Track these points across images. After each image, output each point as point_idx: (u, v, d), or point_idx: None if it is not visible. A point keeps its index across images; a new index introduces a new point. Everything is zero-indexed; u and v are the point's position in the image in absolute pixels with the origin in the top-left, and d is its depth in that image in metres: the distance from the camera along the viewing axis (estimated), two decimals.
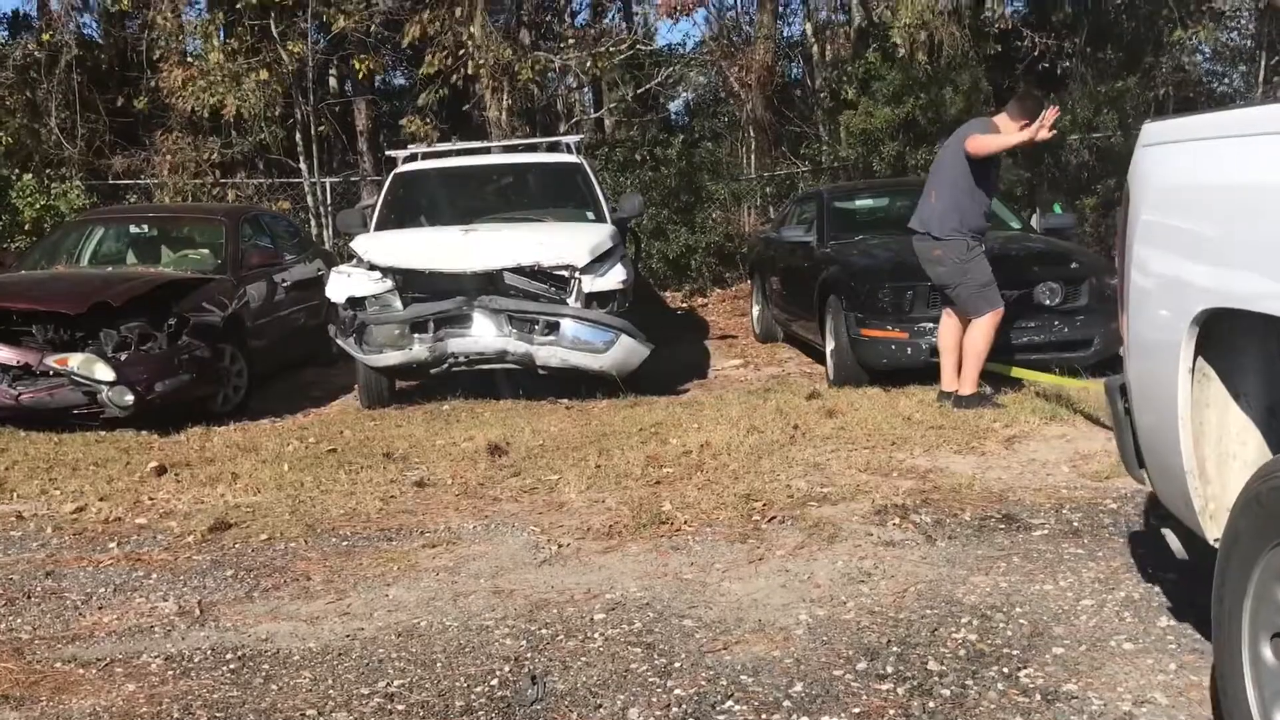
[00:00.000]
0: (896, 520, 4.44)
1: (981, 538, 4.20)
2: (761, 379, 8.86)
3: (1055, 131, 6.45)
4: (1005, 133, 6.35)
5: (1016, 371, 7.01)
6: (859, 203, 10.10)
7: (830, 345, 7.91)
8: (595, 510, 4.79)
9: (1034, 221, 8.89)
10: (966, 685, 2.97)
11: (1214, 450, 2.53)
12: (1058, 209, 10.87)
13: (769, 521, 4.50)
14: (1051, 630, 3.30)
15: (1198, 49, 15.74)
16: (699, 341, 11.14)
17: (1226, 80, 17.61)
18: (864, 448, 5.65)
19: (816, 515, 4.54)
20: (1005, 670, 3.05)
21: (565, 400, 7.53)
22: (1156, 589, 3.57)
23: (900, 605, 3.55)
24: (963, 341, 6.47)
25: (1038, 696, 2.89)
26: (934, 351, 6.87)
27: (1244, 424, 2.52)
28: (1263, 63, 15.18)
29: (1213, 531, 2.52)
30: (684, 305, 13.69)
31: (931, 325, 7.00)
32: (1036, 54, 14.51)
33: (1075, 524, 4.31)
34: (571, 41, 15.26)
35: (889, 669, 3.10)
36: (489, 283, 7.53)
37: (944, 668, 3.08)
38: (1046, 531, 4.24)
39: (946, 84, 13.32)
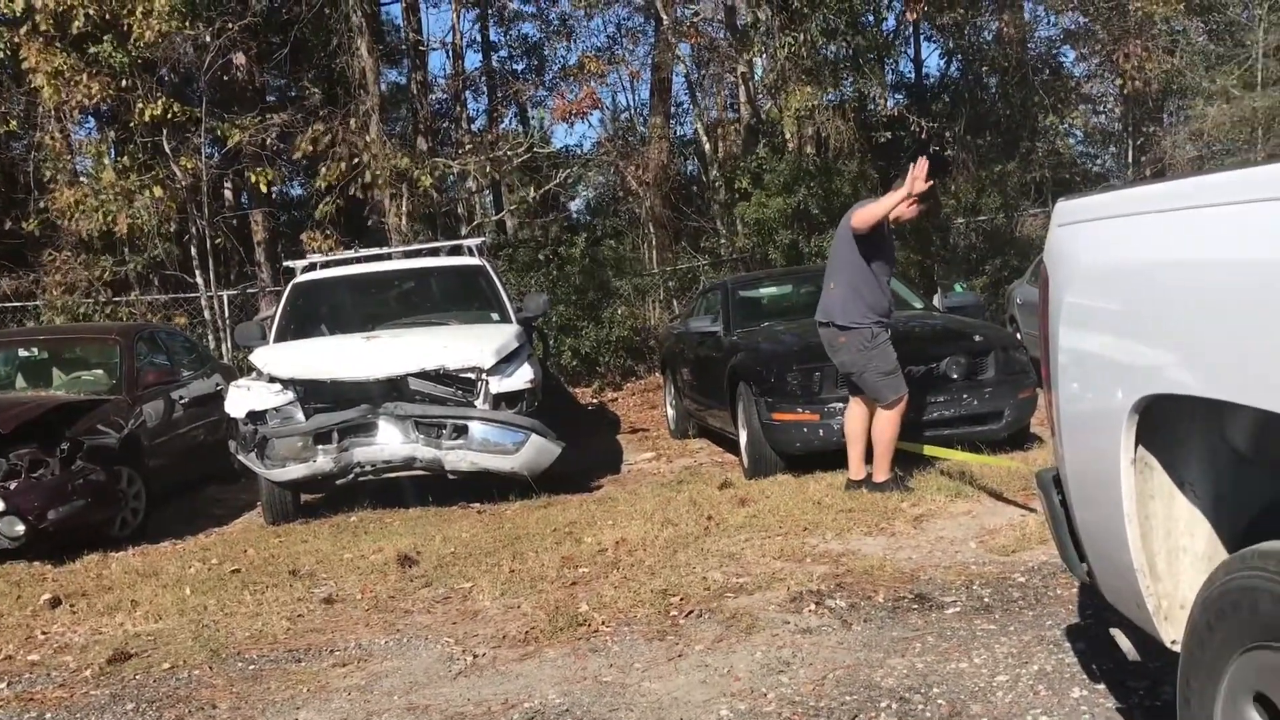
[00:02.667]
0: (812, 606, 4.45)
1: (896, 619, 4.23)
2: (674, 471, 8.87)
3: (931, 183, 6.18)
4: (889, 200, 6.20)
5: (930, 450, 6.95)
6: (763, 291, 10.20)
7: (743, 435, 7.84)
8: (510, 616, 4.71)
9: (936, 301, 9.05)
10: None
11: (1163, 545, 2.35)
12: (959, 288, 11.18)
13: (687, 616, 4.47)
14: (969, 709, 3.32)
15: (1069, 133, 16.53)
16: (611, 436, 11.13)
17: (1099, 161, 18.50)
18: (777, 535, 5.67)
19: (734, 606, 4.52)
20: None
21: (477, 504, 7.44)
22: (1068, 659, 3.62)
23: (820, 694, 3.54)
24: (871, 429, 6.41)
25: None
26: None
27: (1192, 515, 2.35)
28: (1130, 144, 16.01)
29: (1169, 633, 2.35)
30: (595, 400, 13.71)
31: (842, 405, 6.93)
32: (923, 137, 15.10)
33: (986, 599, 4.36)
34: (469, 147, 15.43)
35: None
36: (394, 389, 7.46)
37: None
38: (959, 609, 4.28)
39: (835, 174, 13.76)
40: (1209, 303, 1.97)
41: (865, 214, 6.20)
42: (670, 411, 10.84)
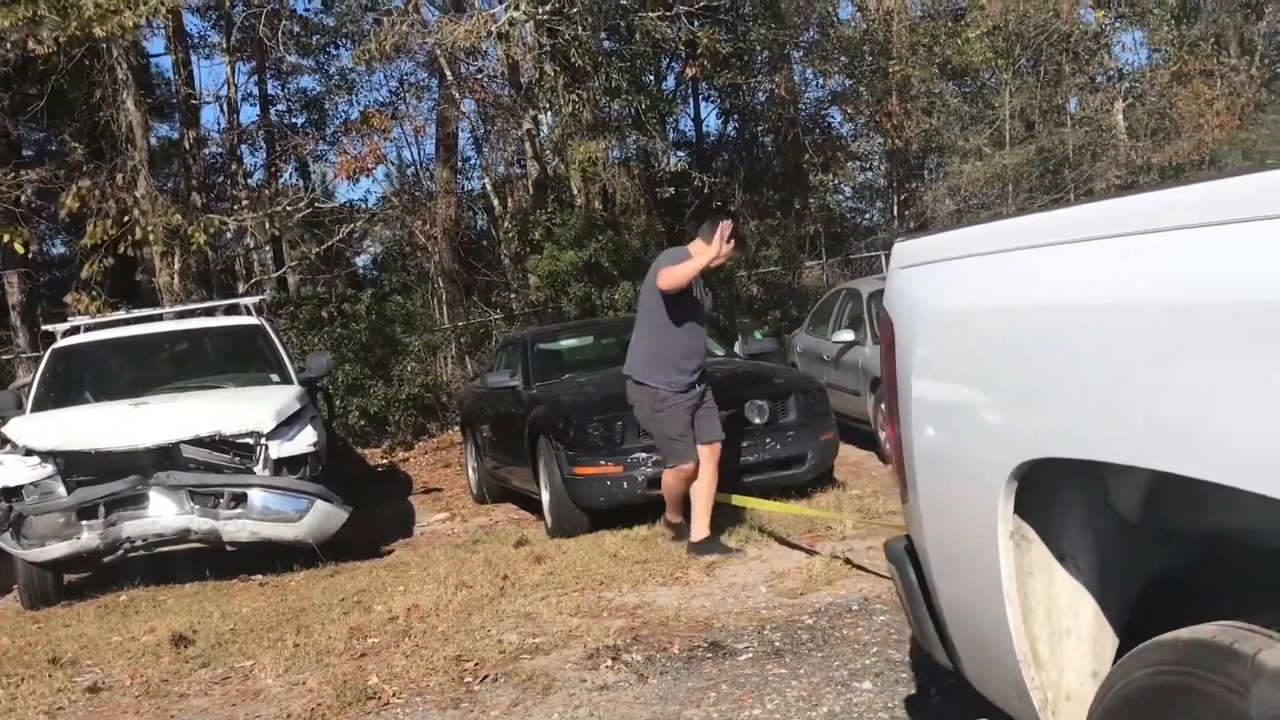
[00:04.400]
0: (609, 662, 4.42)
1: (691, 669, 4.25)
2: (469, 531, 8.71)
3: (733, 241, 5.97)
4: (694, 252, 5.99)
5: (739, 500, 6.67)
6: (563, 343, 9.87)
7: (545, 494, 7.56)
8: (295, 694, 4.48)
9: (737, 348, 9.22)
10: None
11: (1045, 628, 2.05)
12: (759, 335, 11.49)
13: (481, 681, 4.36)
14: None
15: (838, 189, 17.43)
16: (403, 498, 10.86)
17: (867, 215, 19.57)
18: (573, 591, 5.63)
19: (530, 668, 4.45)
20: None
21: (259, 576, 7.08)
22: (855, 699, 3.72)
23: None
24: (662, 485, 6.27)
25: None
26: (650, 484, 6.73)
27: (1075, 591, 2.05)
28: (895, 199, 17.02)
29: None
30: (385, 461, 13.36)
31: (645, 455, 6.86)
32: (705, 193, 15.58)
33: (777, 644, 4.45)
34: (246, 202, 14.90)
35: None
36: (165, 458, 7.06)
37: None
38: (751, 655, 4.35)
39: (623, 227, 14.01)
40: (1087, 352, 1.73)
41: (673, 277, 5.88)
42: (472, 475, 10.24)
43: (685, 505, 6.27)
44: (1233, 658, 1.48)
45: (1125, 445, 1.65)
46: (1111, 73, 18.22)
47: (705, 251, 5.90)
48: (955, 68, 16.57)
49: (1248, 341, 1.39)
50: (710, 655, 4.40)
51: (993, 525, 1.98)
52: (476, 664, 4.55)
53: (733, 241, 5.93)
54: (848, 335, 10.40)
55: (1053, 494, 2.01)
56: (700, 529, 6.13)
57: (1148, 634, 1.74)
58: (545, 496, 7.59)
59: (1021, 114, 15.94)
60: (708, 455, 6.13)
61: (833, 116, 19.17)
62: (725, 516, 6.75)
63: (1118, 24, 17.71)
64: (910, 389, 2.29)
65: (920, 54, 15.85)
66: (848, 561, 5.55)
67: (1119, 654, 1.99)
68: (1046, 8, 14.99)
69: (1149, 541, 2.02)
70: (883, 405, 9.52)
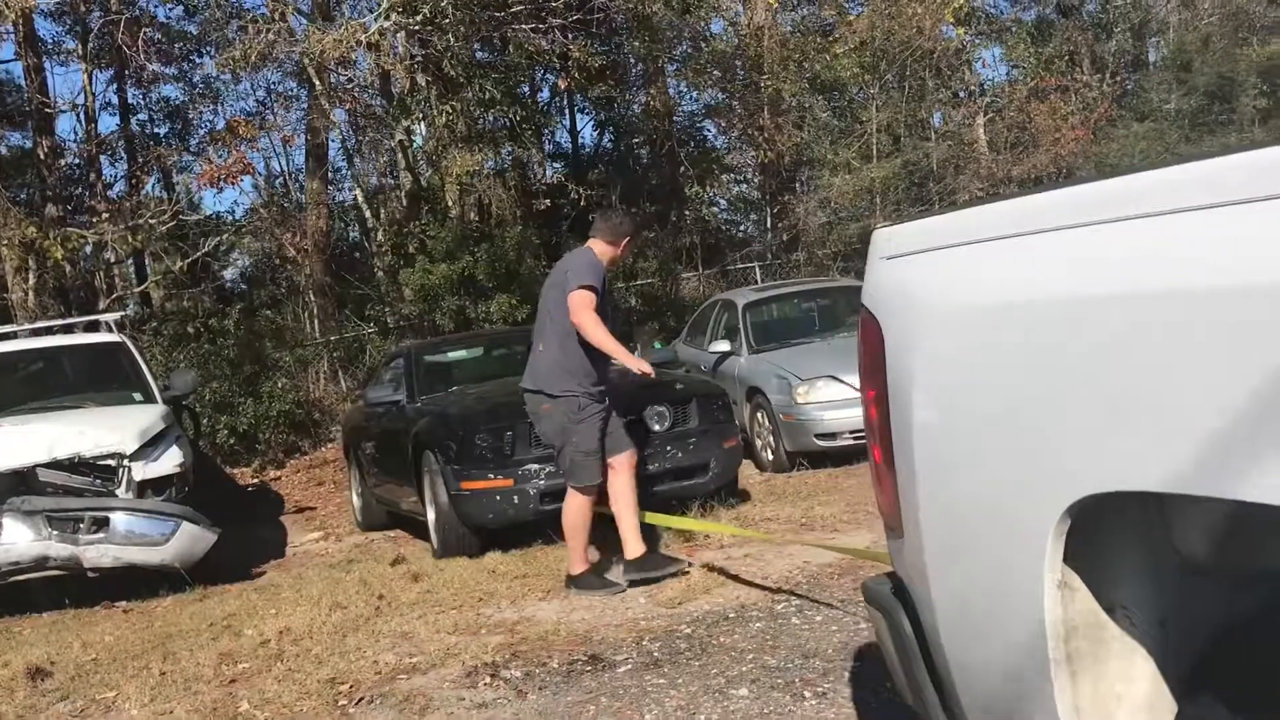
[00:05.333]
0: (487, 679, 4.39)
1: (570, 683, 4.25)
2: (344, 550, 8.55)
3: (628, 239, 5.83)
4: (602, 256, 5.66)
5: (651, 518, 6.07)
6: (451, 355, 9.48)
7: (431, 513, 7.08)
8: None
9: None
10: None
11: (1090, 695, 1.69)
12: (658, 345, 11.51)
13: (356, 704, 4.28)
14: None
15: (714, 201, 17.68)
16: (274, 518, 10.59)
17: (742, 227, 19.90)
18: (451, 609, 5.58)
19: (407, 688, 4.39)
20: None
21: (123, 602, 6.83)
22: (732, 707, 3.78)
23: None
24: (563, 513, 5.71)
25: None
26: (545, 499, 6.46)
27: (1129, 648, 1.73)
28: (768, 211, 17.36)
29: None
30: (256, 480, 13.00)
31: (537, 468, 6.53)
32: (582, 205, 15.62)
33: (655, 654, 4.48)
34: (106, 215, 14.37)
35: None
36: (20, 482, 6.76)
37: None
38: (630, 666, 4.37)
39: (498, 239, 13.95)
40: (1158, 357, 1.42)
41: (587, 325, 5.45)
42: (356, 501, 9.59)
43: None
44: None
45: (1199, 474, 1.36)
46: (973, 88, 18.95)
47: (624, 355, 5.59)
48: (825, 82, 17.00)
49: None
50: (589, 668, 4.41)
51: (1037, 574, 1.63)
52: (351, 686, 4.47)
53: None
54: (724, 345, 10.57)
55: (1104, 535, 1.70)
56: (635, 546, 5.67)
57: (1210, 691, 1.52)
58: (431, 515, 7.11)
59: (888, 128, 16.43)
60: (625, 466, 5.73)
61: (708, 129, 19.49)
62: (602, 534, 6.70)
63: (978, 41, 18.43)
64: (910, 403, 1.90)
65: (790, 69, 16.20)
66: (723, 572, 5.62)
67: None
68: (910, 25, 15.49)
69: (1218, 587, 1.73)
70: (760, 413, 9.71)
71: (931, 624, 1.94)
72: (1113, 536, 1.69)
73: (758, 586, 5.35)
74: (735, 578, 5.51)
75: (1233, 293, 1.26)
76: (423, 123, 14.12)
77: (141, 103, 19.27)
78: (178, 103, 19.62)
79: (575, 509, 5.63)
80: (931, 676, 1.98)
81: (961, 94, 18.55)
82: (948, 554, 1.89)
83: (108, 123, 18.45)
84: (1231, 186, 1.31)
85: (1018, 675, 1.73)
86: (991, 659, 1.81)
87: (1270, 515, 1.24)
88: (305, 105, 17.63)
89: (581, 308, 5.46)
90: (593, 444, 5.59)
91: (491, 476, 6.64)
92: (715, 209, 18.76)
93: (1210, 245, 1.31)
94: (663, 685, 4.10)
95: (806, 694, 3.78)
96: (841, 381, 8.76)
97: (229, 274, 22.28)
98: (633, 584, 5.60)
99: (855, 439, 8.41)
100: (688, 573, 5.59)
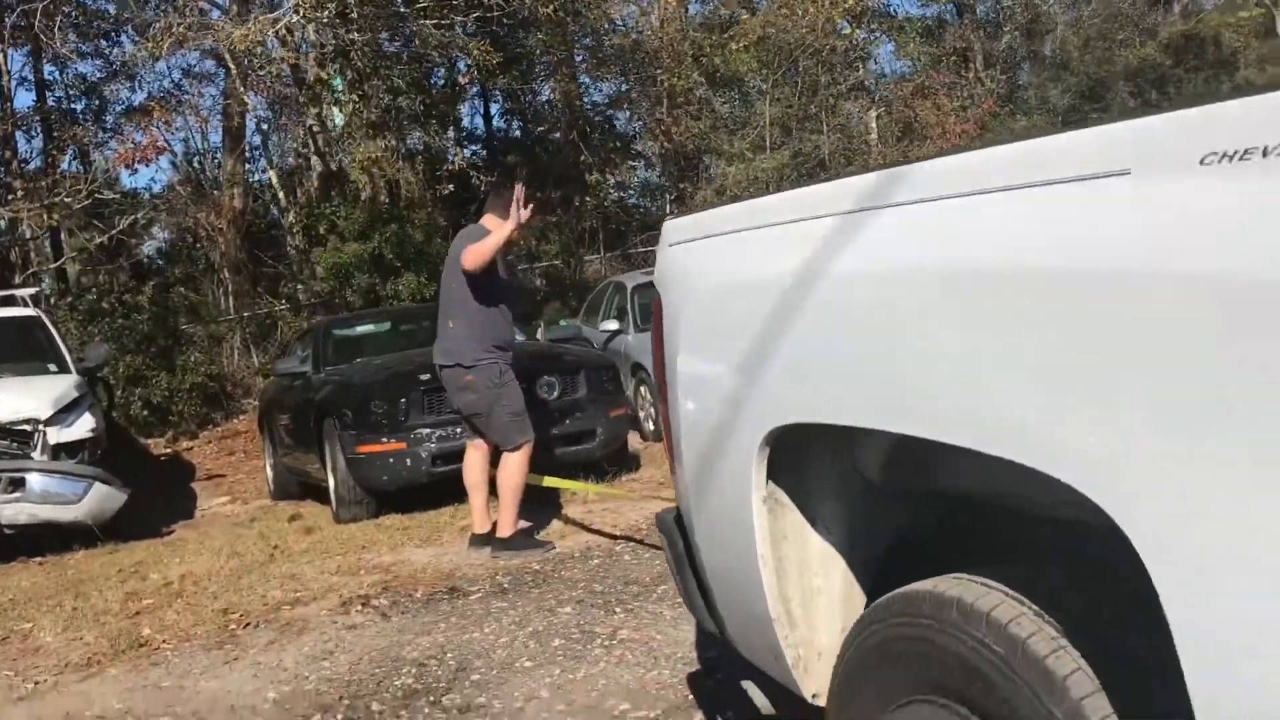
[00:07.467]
0: (359, 607, 5.14)
1: (429, 608, 5.02)
2: (249, 511, 9.18)
3: (529, 206, 5.79)
4: (495, 229, 5.76)
5: (550, 482, 6.46)
6: (359, 329, 9.83)
7: (331, 478, 7.47)
8: (73, 647, 5.00)
9: (539, 335, 9.62)
10: (400, 714, 3.73)
11: (797, 589, 2.11)
12: (564, 323, 12.20)
13: (245, 628, 5.01)
14: (473, 664, 4.16)
15: (621, 187, 18.44)
16: (185, 484, 11.16)
17: (645, 212, 20.69)
18: (337, 555, 6.30)
19: (289, 616, 5.12)
20: (433, 699, 3.85)
21: (39, 557, 7.41)
22: (556, 620, 4.58)
23: (354, 670, 4.25)
24: (498, 477, 5.88)
25: (455, 711, 3.72)
26: (436, 461, 6.91)
27: (826, 552, 2.12)
28: (668, 198, 18.15)
29: (809, 685, 2.12)
30: (169, 450, 13.52)
31: (429, 432, 6.96)
32: (484, 190, 16.29)
33: (505, 585, 5.27)
34: (21, 191, 14.69)
35: (339, 716, 3.78)
36: None
37: (384, 706, 3.82)
38: (481, 594, 5.15)
39: (407, 221, 14.57)
40: (828, 321, 1.82)
41: (476, 254, 5.66)
42: (269, 473, 10.01)
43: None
44: (951, 605, 1.58)
45: (867, 410, 1.72)
46: (867, 83, 19.90)
47: (503, 225, 5.72)
48: (723, 76, 17.81)
49: (965, 307, 1.48)
50: (446, 596, 5.18)
51: (747, 491, 2.04)
52: (241, 615, 5.19)
53: (529, 206, 5.76)
54: (613, 324, 11.37)
55: (805, 460, 2.06)
56: (508, 525, 5.90)
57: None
58: (331, 480, 7.52)
59: (781, 121, 17.30)
60: (486, 445, 5.98)
61: (618, 119, 20.20)
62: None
63: (871, 38, 19.37)
64: (676, 362, 2.34)
65: (688, 63, 16.99)
66: (579, 523, 6.43)
67: None
68: (803, 23, 16.36)
69: (892, 503, 2.09)
70: (643, 387, 10.53)
71: (694, 541, 2.37)
72: (812, 462, 2.07)
73: (605, 534, 6.16)
74: (587, 527, 6.31)
75: (871, 277, 1.70)
76: (335, 108, 14.66)
77: (58, 79, 19.44)
78: (94, 80, 19.81)
79: (515, 469, 5.79)
80: (699, 585, 2.40)
81: (847, 88, 19.43)
82: (698, 480, 2.29)
83: (24, 99, 18.63)
84: (866, 197, 1.78)
85: (744, 575, 2.12)
86: (731, 565, 2.21)
87: (925, 445, 1.56)
88: (222, 85, 17.99)
89: (466, 256, 5.67)
90: (519, 403, 5.83)
91: (385, 440, 7.09)
92: (621, 194, 19.52)
93: (869, 240, 1.73)
94: (504, 608, 4.89)
95: (617, 610, 4.60)
96: None
97: (146, 249, 22.51)
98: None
99: None
100: (551, 547, 5.95)
